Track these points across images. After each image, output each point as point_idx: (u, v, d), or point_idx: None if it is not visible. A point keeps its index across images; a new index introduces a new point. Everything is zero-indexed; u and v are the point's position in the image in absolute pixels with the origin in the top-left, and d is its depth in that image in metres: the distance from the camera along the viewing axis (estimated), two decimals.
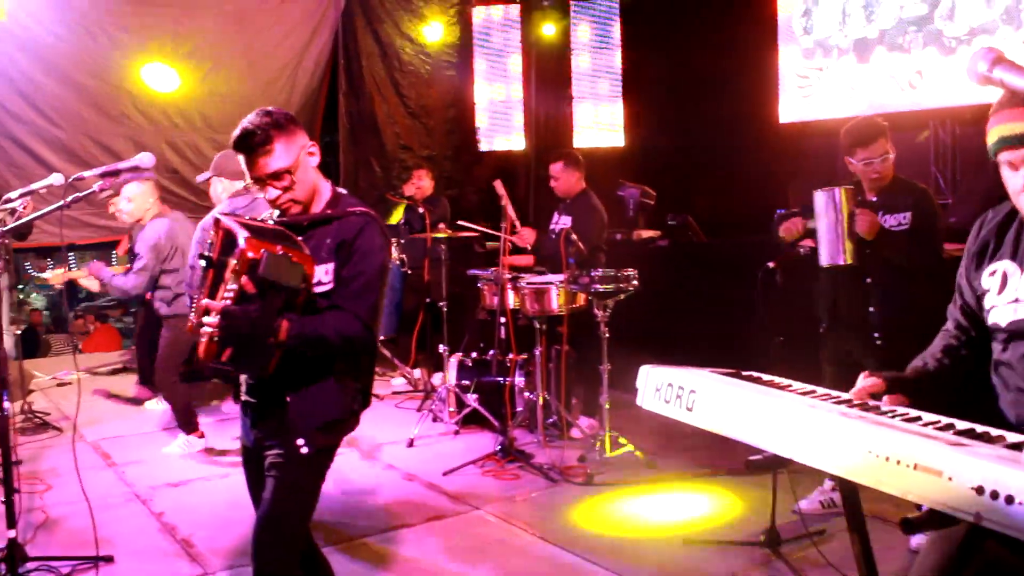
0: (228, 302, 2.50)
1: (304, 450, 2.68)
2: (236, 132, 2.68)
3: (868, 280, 4.18)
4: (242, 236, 2.51)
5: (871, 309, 4.18)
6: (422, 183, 7.96)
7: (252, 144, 2.66)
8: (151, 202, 5.81)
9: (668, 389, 2.31)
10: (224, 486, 5.20)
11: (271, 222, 2.79)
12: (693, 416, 2.24)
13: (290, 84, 10.10)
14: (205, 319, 2.51)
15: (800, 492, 4.50)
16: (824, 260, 4.11)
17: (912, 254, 4.07)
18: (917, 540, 3.74)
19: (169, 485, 5.23)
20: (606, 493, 4.99)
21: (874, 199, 4.22)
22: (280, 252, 2.50)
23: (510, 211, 5.79)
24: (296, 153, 2.71)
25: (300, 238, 2.70)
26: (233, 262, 2.50)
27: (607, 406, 5.39)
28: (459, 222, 6.82)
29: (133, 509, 4.89)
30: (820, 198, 4.09)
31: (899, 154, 4.28)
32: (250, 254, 2.47)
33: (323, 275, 2.67)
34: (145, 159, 3.34)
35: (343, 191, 2.89)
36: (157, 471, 5.49)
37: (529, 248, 6.47)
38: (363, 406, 2.85)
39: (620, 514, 4.73)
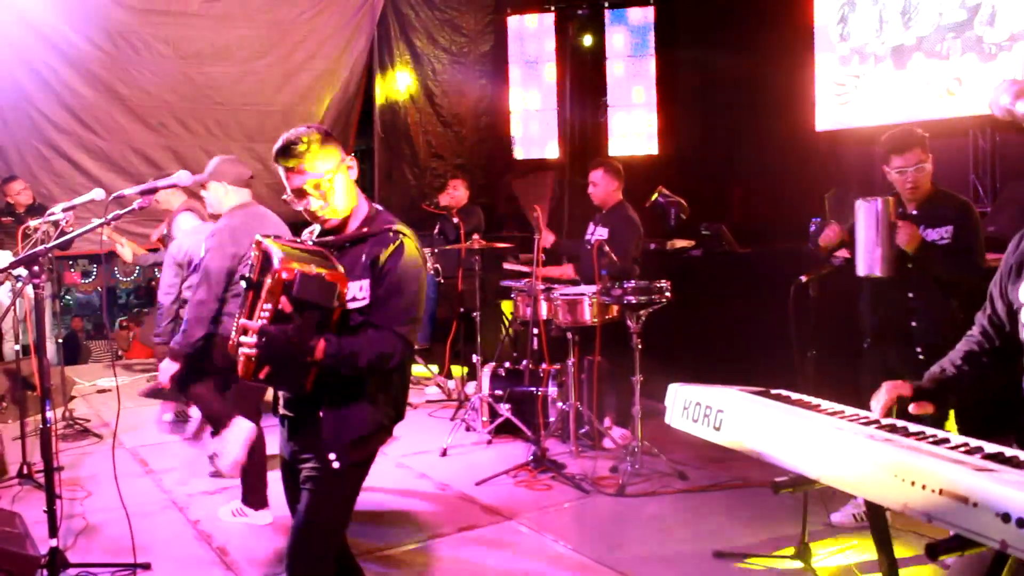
0: (265, 322, 2.56)
1: (336, 465, 2.73)
2: (279, 143, 2.76)
3: (910, 295, 4.15)
4: (277, 257, 2.57)
5: (913, 324, 4.15)
6: (457, 192, 7.98)
7: (295, 153, 2.73)
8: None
9: (696, 408, 2.33)
10: None
11: (310, 242, 2.85)
12: (721, 435, 2.25)
13: (327, 94, 10.21)
14: (243, 339, 2.58)
15: (832, 505, 4.48)
16: (861, 270, 4.09)
17: (954, 269, 4.03)
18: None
19: (205, 493, 5.30)
20: (638, 504, 4.99)
21: (915, 212, 4.19)
22: (314, 272, 2.56)
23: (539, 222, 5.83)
24: (335, 165, 2.78)
25: (336, 254, 2.75)
26: (268, 282, 2.56)
27: (639, 417, 5.38)
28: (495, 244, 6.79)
29: (170, 516, 4.96)
30: (861, 208, 4.05)
31: (938, 162, 4.23)
32: (284, 274, 2.54)
33: (357, 291, 2.72)
34: (183, 177, 3.40)
35: (380, 208, 2.94)
36: (193, 479, 5.57)
37: (547, 247, 6.46)
38: (395, 420, 2.89)
39: (652, 525, 4.73)
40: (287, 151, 2.74)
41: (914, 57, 7.25)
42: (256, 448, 4.74)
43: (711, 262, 7.49)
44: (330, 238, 2.86)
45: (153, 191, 3.38)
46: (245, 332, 2.58)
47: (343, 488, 2.82)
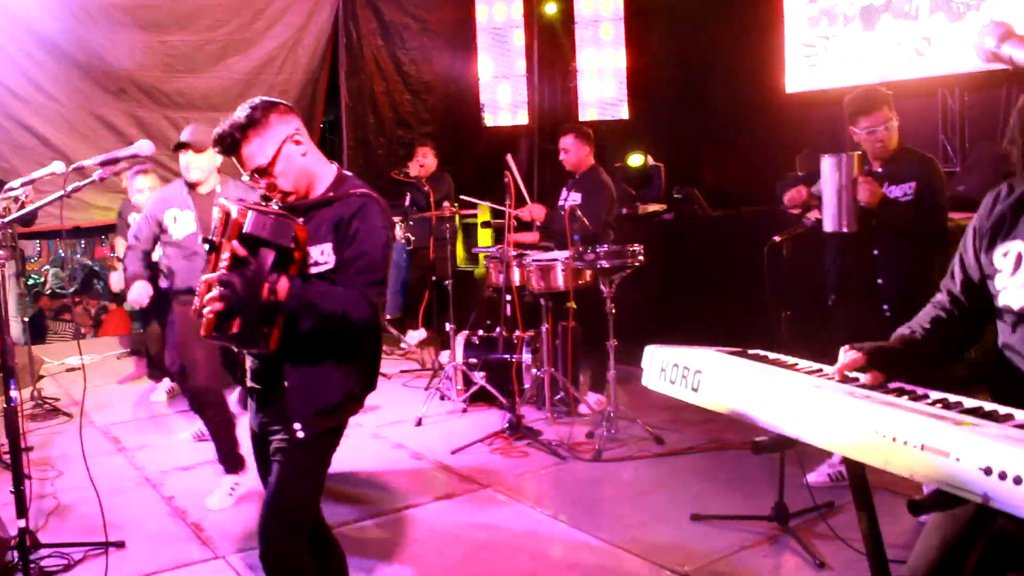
0: (224, 271, 2.51)
1: (300, 434, 2.67)
2: (213, 135, 2.69)
3: (875, 252, 4.16)
4: (235, 208, 2.53)
5: (879, 281, 4.16)
6: (426, 160, 7.91)
7: (225, 147, 2.67)
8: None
9: (673, 369, 2.30)
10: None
11: (275, 206, 2.78)
12: (699, 396, 2.23)
13: (291, 63, 10.04)
14: (206, 297, 2.51)
15: (808, 465, 4.49)
16: (828, 226, 4.06)
17: (916, 224, 4.03)
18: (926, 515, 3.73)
19: (179, 469, 5.25)
20: (614, 469, 5.00)
21: (879, 170, 4.18)
22: (269, 212, 2.54)
23: (520, 186, 5.78)
24: (276, 146, 2.67)
25: (302, 220, 2.69)
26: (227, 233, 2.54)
27: (615, 382, 5.37)
28: (463, 197, 6.76)
29: (144, 494, 4.91)
30: (827, 164, 4.01)
31: (906, 122, 4.23)
32: (238, 218, 2.50)
33: (319, 255, 2.65)
34: (144, 147, 3.31)
35: (348, 173, 2.87)
36: (167, 455, 5.51)
37: (538, 224, 6.43)
38: (366, 389, 2.84)
39: (629, 490, 4.73)
40: (218, 145, 2.68)
41: (883, 18, 7.23)
42: (221, 415, 4.79)
43: (683, 226, 7.48)
44: (295, 203, 2.78)
45: (114, 161, 3.29)
46: (210, 290, 2.50)
47: (311, 459, 2.76)
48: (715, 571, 3.73)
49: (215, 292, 2.46)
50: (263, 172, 2.68)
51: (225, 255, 2.52)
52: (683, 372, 2.26)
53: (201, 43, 9.51)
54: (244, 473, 4.76)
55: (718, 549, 3.92)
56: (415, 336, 7.93)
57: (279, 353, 2.64)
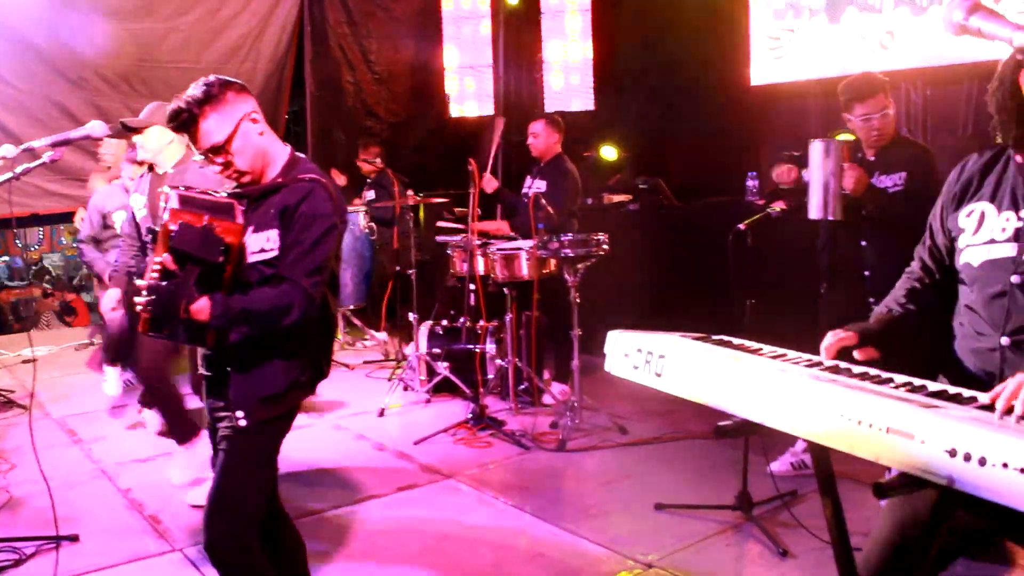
0: (155, 277, 2.46)
1: (243, 423, 2.61)
2: (167, 110, 2.64)
3: (863, 243, 4.08)
4: (169, 209, 2.47)
5: (866, 273, 4.06)
6: (372, 160, 7.91)
7: (180, 123, 2.61)
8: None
9: (637, 355, 2.26)
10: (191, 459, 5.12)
11: (225, 193, 2.71)
12: (662, 382, 2.19)
13: (255, 52, 9.91)
14: (137, 299, 2.47)
15: (772, 454, 4.50)
16: (813, 213, 3.99)
17: (903, 216, 3.82)
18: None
19: (136, 461, 5.15)
20: (578, 459, 4.97)
21: (872, 158, 4.09)
22: (202, 224, 2.45)
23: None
24: (234, 124, 2.62)
25: (244, 207, 2.64)
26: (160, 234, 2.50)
27: (579, 371, 5.34)
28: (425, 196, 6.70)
29: (99, 486, 4.80)
30: (816, 148, 3.89)
31: None
32: (170, 226, 2.44)
33: (265, 242, 2.60)
34: (97, 128, 3.23)
35: (302, 156, 2.80)
36: (124, 447, 5.41)
37: (491, 192, 6.40)
38: (316, 376, 2.77)
39: (593, 480, 4.71)
40: (173, 120, 2.62)
41: (848, 11, 7.24)
42: (169, 391, 4.70)
43: (649, 216, 7.47)
44: (245, 189, 2.73)
45: (66, 143, 3.20)
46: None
47: (256, 448, 2.69)
48: (679, 560, 3.72)
49: (142, 299, 2.44)
50: (219, 150, 2.62)
51: (157, 259, 2.48)
52: (647, 357, 2.22)
53: (165, 31, 9.36)
54: (199, 440, 4.67)
55: (682, 538, 3.91)
56: (379, 336, 7.86)
57: (222, 343, 2.60)
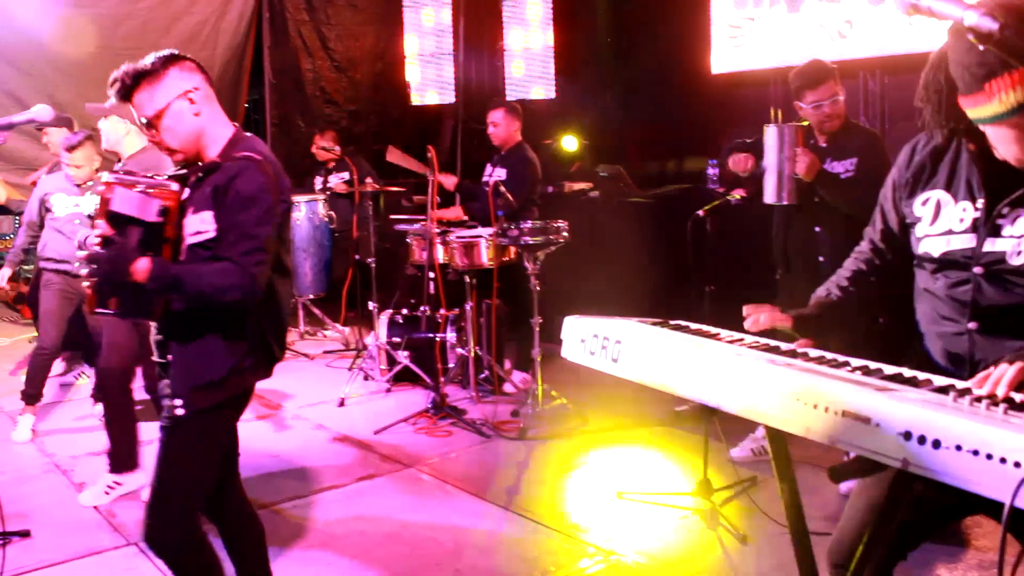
0: (96, 247, 2.45)
1: (180, 411, 2.55)
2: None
3: (817, 228, 4.11)
4: (103, 182, 2.49)
5: (820, 259, 4.08)
6: (325, 145, 7.83)
7: (117, 93, 2.59)
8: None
9: (593, 340, 2.24)
10: (148, 454, 5.02)
11: (164, 177, 2.69)
12: (619, 367, 2.17)
13: (212, 40, 9.76)
14: (81, 272, 2.46)
15: (732, 440, 4.52)
16: (768, 198, 4.03)
17: (854, 200, 3.87)
18: (847, 485, 3.75)
19: (91, 455, 5.03)
20: (539, 447, 4.96)
21: (824, 144, 4.13)
22: (135, 187, 2.49)
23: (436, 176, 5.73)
24: (167, 101, 2.57)
25: (191, 188, 2.62)
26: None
27: (539, 360, 5.32)
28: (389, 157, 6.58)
29: (53, 481, 4.71)
30: (770, 133, 3.96)
31: None
32: (106, 195, 2.46)
33: (199, 223, 2.54)
34: (43, 112, 3.14)
35: (247, 135, 2.73)
36: (78, 441, 5.30)
37: (451, 189, 6.36)
38: (261, 363, 2.67)
39: (554, 468, 4.70)
40: (112, 87, 2.60)
41: (806, 0, 7.28)
42: (125, 405, 4.48)
43: (609, 204, 7.46)
44: (183, 171, 2.69)
45: (9, 127, 3.10)
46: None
47: (194, 437, 2.61)
48: (639, 547, 3.71)
49: (85, 270, 2.42)
50: (149, 125, 2.59)
51: (97, 231, 2.47)
52: (603, 343, 2.20)
53: (122, 17, 9.19)
54: (132, 475, 4.47)
55: (642, 525, 3.92)
56: (339, 327, 7.79)
57: (165, 327, 2.57)
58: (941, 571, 3.40)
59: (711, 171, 7.06)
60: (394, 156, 6.02)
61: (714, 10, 7.89)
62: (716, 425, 4.03)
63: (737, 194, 4.39)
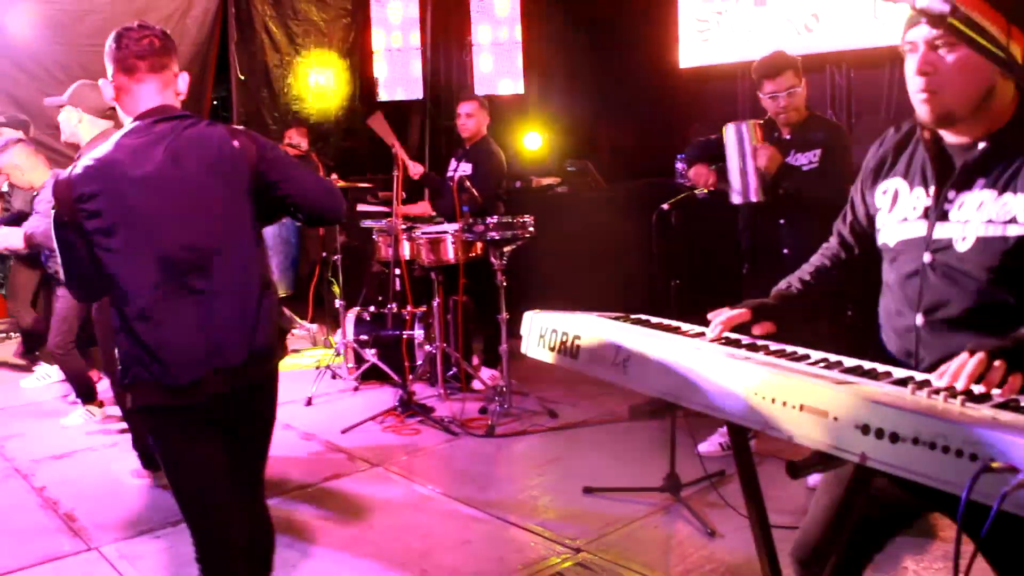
0: None
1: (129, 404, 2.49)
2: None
3: (781, 221, 4.11)
4: None
5: (785, 251, 4.07)
6: (294, 141, 7.77)
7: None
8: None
9: (552, 335, 2.21)
10: (112, 456, 4.96)
11: None
12: (578, 363, 2.14)
13: (177, 34, 9.61)
14: None
15: (701, 435, 4.50)
16: (735, 198, 4.04)
17: (818, 192, 3.89)
18: (815, 478, 3.74)
19: (52, 458, 4.95)
20: (507, 444, 4.93)
21: (788, 137, 4.15)
22: None
23: (400, 153, 5.68)
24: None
25: None
26: None
27: (507, 356, 5.28)
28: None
29: (12, 485, 4.61)
30: (729, 132, 3.99)
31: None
32: None
33: None
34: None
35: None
36: (40, 443, 5.20)
37: (417, 178, 6.33)
38: (160, 375, 2.39)
39: (522, 465, 4.67)
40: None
41: None
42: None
43: (577, 199, 7.44)
44: None
45: None
46: None
47: (154, 436, 2.56)
48: (607, 543, 3.69)
49: None
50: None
51: None
52: (561, 338, 2.17)
53: (82, 13, 9.04)
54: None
55: (610, 521, 3.89)
56: (307, 325, 7.73)
57: None
58: (908, 563, 3.40)
59: (679, 165, 7.04)
60: (376, 122, 5.92)
61: (681, 4, 7.89)
62: (684, 420, 4.03)
63: (705, 188, 4.38)
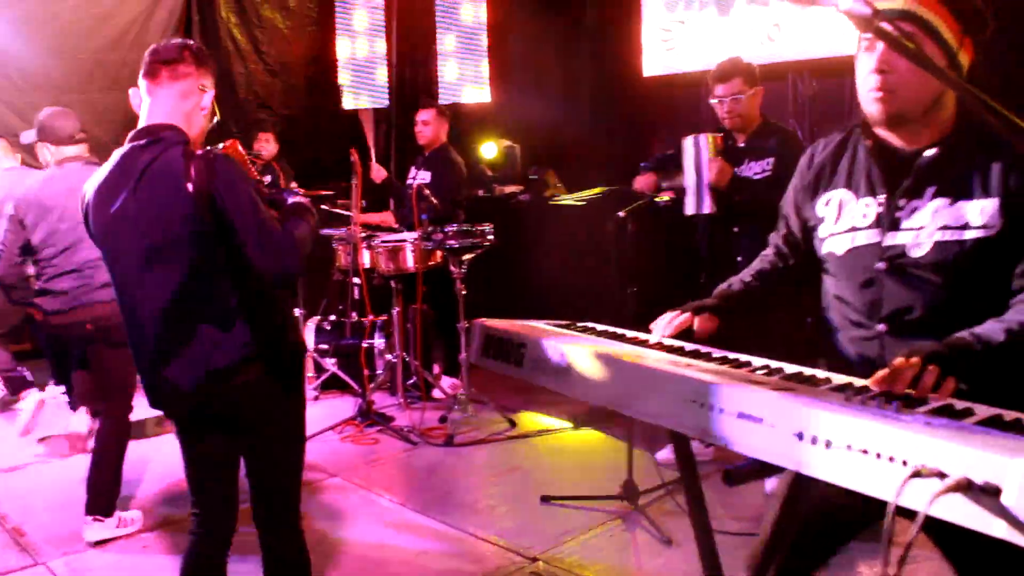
0: None
1: None
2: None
3: (735, 229, 4.12)
4: None
5: (739, 259, 4.05)
6: (268, 146, 7.71)
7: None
8: None
9: (497, 344, 2.18)
10: (62, 468, 4.86)
11: None
12: (523, 371, 2.11)
13: (140, 40, 9.52)
14: None
15: (658, 443, 4.49)
16: (688, 209, 4.06)
17: (770, 201, 3.94)
18: (771, 484, 3.75)
19: (1, 471, 4.86)
20: (466, 453, 4.89)
21: (742, 144, 4.16)
22: None
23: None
24: None
25: None
26: None
27: (467, 364, 5.25)
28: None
29: None
30: (688, 144, 4.02)
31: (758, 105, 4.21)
32: None
33: None
34: None
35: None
36: None
37: (379, 182, 6.31)
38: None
39: (480, 474, 4.64)
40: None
41: (736, 3, 7.32)
42: None
43: (538, 207, 7.43)
44: None
45: None
46: None
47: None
48: (564, 552, 3.67)
49: None
50: None
51: None
52: (506, 346, 2.14)
53: (44, 20, 8.92)
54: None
55: (568, 530, 3.86)
56: None
57: None
58: (862, 568, 3.39)
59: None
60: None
61: (645, 13, 7.92)
62: (642, 427, 4.01)
63: (665, 195, 4.39)
